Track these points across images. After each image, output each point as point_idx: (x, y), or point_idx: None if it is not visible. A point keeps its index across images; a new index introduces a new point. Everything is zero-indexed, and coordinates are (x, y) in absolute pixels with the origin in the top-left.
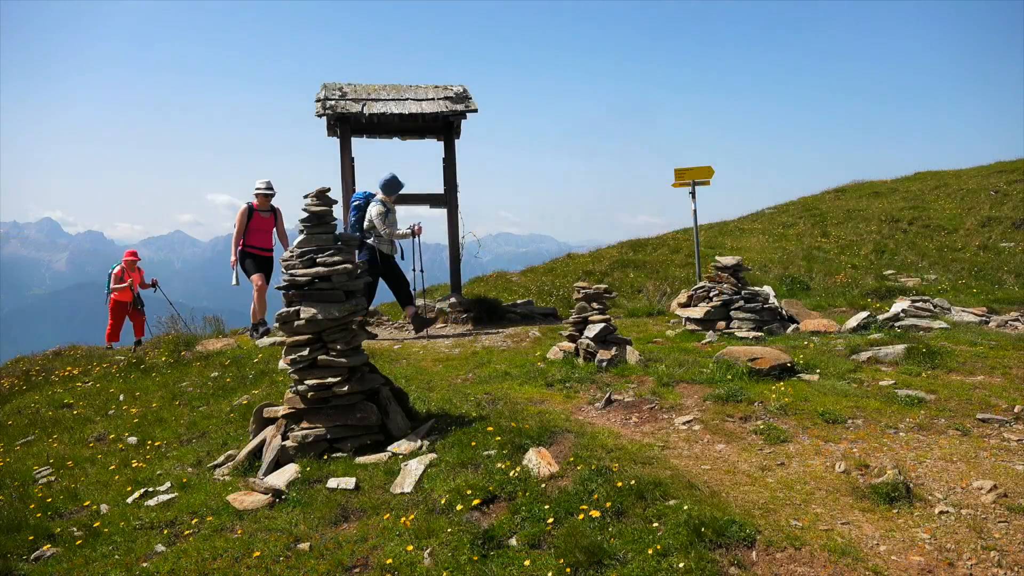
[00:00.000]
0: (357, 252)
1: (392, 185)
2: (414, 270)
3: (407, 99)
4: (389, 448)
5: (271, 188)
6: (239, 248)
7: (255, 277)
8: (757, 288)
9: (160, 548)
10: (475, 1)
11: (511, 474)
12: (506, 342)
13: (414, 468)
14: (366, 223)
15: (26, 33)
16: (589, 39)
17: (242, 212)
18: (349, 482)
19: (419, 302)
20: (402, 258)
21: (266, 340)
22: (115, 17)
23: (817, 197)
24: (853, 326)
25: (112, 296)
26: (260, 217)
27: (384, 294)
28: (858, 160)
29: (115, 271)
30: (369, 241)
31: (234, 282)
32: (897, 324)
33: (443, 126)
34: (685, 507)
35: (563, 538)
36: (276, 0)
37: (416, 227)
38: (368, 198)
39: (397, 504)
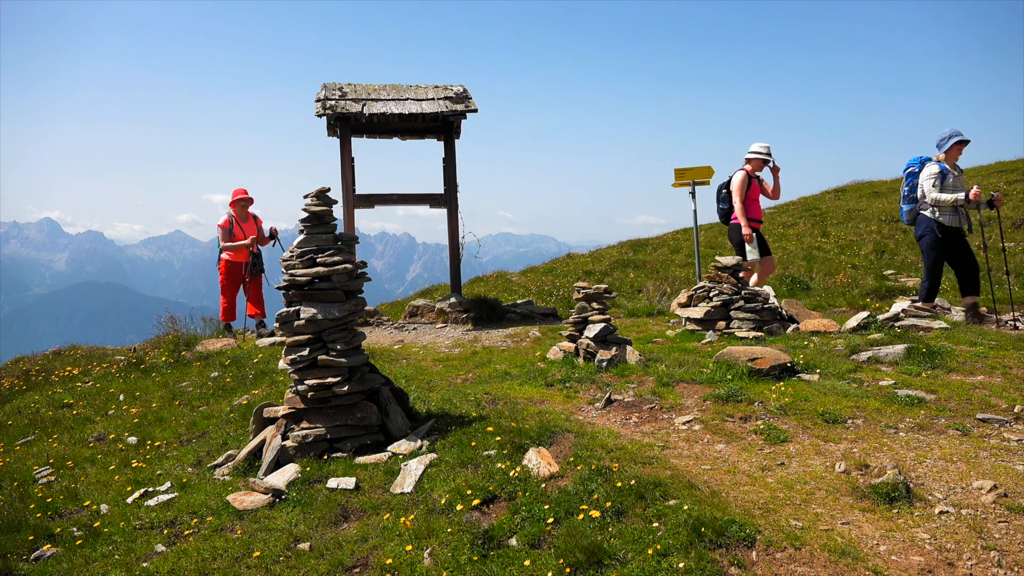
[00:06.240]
0: (914, 226)
1: (947, 139)
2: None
3: (407, 99)
4: (389, 448)
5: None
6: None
7: (767, 259)
8: (757, 288)
9: (160, 548)
10: (475, 1)
11: (511, 474)
12: (506, 342)
13: (414, 468)
14: (918, 191)
15: (25, 32)
16: (588, 39)
17: (743, 180)
18: (349, 482)
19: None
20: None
21: (266, 340)
22: (114, 16)
23: (817, 197)
24: (853, 326)
25: (223, 257)
26: (756, 186)
27: (382, 295)
28: (858, 160)
29: (221, 222)
30: (925, 213)
31: (752, 256)
32: (897, 324)
33: (443, 126)
34: (685, 507)
35: (563, 538)
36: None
37: (975, 191)
38: (924, 162)
39: (397, 504)
